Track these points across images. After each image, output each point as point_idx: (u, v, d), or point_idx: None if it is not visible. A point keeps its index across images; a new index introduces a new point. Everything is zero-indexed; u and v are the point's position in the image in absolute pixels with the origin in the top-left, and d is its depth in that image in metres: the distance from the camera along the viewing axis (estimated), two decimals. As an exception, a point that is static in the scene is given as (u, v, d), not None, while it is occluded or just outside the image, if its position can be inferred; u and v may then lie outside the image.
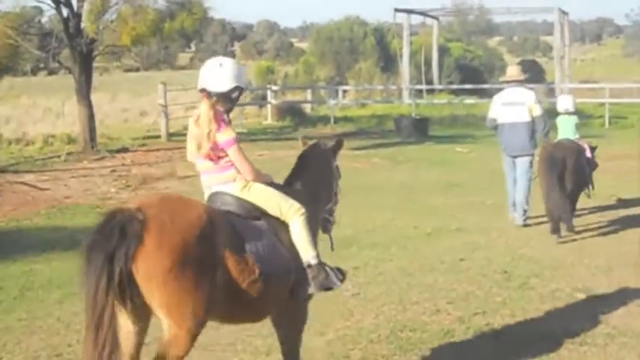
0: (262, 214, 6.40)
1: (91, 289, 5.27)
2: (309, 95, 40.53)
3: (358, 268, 11.07)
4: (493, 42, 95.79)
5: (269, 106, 36.81)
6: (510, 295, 9.76)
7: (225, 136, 6.38)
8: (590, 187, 13.79)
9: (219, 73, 6.44)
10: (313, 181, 7.05)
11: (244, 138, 29.37)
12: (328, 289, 6.64)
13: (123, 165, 22.80)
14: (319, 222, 7.07)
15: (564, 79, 40.96)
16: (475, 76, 49.40)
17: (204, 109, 6.37)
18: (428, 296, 9.73)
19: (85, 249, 5.36)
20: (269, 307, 6.37)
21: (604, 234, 13.11)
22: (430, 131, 29.62)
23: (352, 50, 54.95)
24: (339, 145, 7.42)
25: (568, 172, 12.91)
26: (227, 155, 6.40)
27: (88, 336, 5.31)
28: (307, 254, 6.47)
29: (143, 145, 26.99)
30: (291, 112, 36.23)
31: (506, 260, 11.34)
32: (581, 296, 9.64)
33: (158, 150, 26.14)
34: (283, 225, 6.43)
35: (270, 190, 6.56)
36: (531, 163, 13.74)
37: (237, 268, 5.81)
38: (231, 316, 6.21)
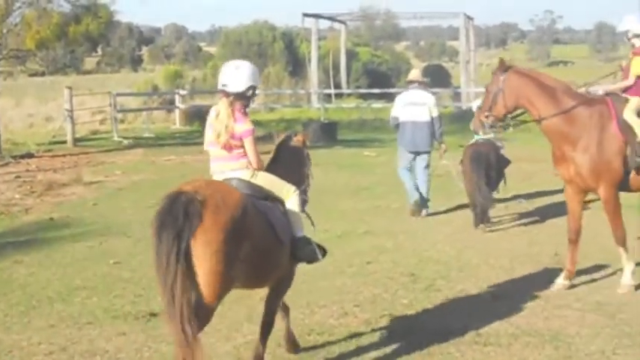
0: (267, 195, 7.35)
1: (163, 264, 6.20)
2: (217, 99, 40.36)
3: (266, 273, 11.07)
4: (400, 47, 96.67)
5: (177, 110, 36.59)
6: (417, 297, 9.86)
7: (244, 126, 7.27)
8: (503, 182, 14.73)
9: (236, 75, 7.33)
10: (291, 166, 7.97)
11: (152, 143, 29.23)
12: (313, 260, 7.64)
13: (28, 171, 22.39)
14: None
15: (470, 83, 41.55)
16: (383, 80, 49.80)
17: (223, 106, 7.31)
18: (336, 299, 9.77)
19: (156, 229, 6.26)
20: (278, 271, 7.34)
21: (509, 235, 13.34)
22: (339, 135, 29.73)
23: (261, 54, 54.85)
24: (306, 137, 8.49)
25: (491, 168, 13.85)
26: (240, 147, 7.28)
27: (167, 306, 6.23)
28: (298, 227, 7.48)
29: (49, 150, 26.53)
30: (200, 117, 35.91)
31: (413, 262, 11.45)
32: (486, 297, 9.80)
33: (64, 155, 25.74)
34: (282, 204, 7.42)
35: (272, 175, 7.51)
36: (429, 159, 15.03)
37: (264, 238, 6.83)
38: (251, 281, 7.04)
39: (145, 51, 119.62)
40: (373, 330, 8.65)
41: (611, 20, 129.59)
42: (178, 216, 6.21)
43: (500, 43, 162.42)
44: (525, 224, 14.10)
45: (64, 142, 28.53)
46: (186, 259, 6.18)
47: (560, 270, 10.44)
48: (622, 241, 10.07)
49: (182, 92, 37.87)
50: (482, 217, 13.52)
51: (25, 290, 10.51)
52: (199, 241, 6.23)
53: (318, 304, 9.58)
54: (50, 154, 26.03)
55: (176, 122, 36.23)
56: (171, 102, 37.96)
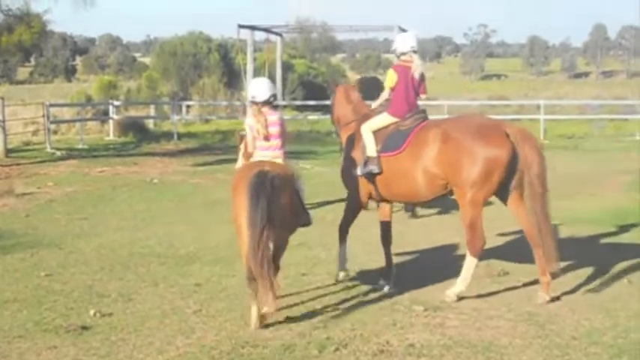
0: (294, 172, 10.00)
1: (257, 222, 8.79)
2: (152, 111, 40.21)
3: (200, 285, 11.06)
4: (336, 59, 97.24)
5: (111, 121, 36.33)
6: (350, 308, 9.90)
7: (276, 116, 10.02)
8: None
9: (261, 88, 10.04)
10: None
11: (85, 154, 28.97)
12: (309, 224, 10.20)
13: (-42, 182, 22.05)
14: None
15: (405, 95, 41.76)
16: (319, 92, 49.93)
17: (256, 111, 9.95)
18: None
19: (252, 196, 8.87)
20: (296, 226, 9.96)
21: (440, 247, 13.45)
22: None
23: (196, 65, 54.76)
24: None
25: None
26: (277, 137, 9.89)
27: (252, 250, 8.77)
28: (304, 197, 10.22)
29: (-21, 161, 26.16)
30: (134, 128, 35.87)
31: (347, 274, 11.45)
32: (419, 308, 9.85)
33: (-5, 166, 25.41)
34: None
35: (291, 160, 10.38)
36: None
37: (297, 200, 9.81)
38: (290, 230, 9.75)
39: (78, 61, 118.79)
40: (307, 342, 8.65)
41: (543, 34, 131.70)
42: (267, 187, 8.93)
43: (434, 57, 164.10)
44: (458, 236, 14.19)
45: (-4, 152, 28.15)
46: (269, 216, 8.80)
47: (495, 281, 10.56)
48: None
49: (116, 103, 37.61)
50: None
51: (-47, 303, 10.34)
52: (279, 203, 9.02)
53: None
54: (-19, 165, 25.67)
55: (110, 133, 35.96)
56: (105, 113, 37.67)
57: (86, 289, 10.99)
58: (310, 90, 50.69)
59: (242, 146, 10.42)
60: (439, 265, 12.04)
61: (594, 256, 12.53)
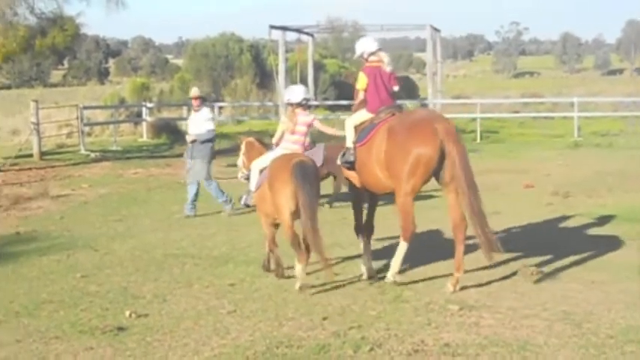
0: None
1: (312, 200, 10.58)
2: (184, 112, 40.27)
3: (234, 285, 11.08)
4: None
5: (144, 123, 36.48)
6: (385, 308, 9.88)
7: (308, 118, 11.78)
8: None
9: (295, 92, 11.78)
10: None
11: (119, 156, 29.14)
12: None
13: (-6, 185, 22.25)
14: None
15: (437, 94, 41.77)
16: (350, 92, 49.63)
17: (289, 112, 11.79)
18: (304, 311, 9.77)
19: (302, 178, 10.54)
20: None
21: (475, 246, 13.36)
22: (306, 147, 29.70)
23: (228, 67, 54.88)
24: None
25: None
26: (301, 135, 11.67)
27: (307, 219, 10.42)
28: None
29: (15, 164, 26.36)
30: (167, 130, 35.99)
31: (381, 275, 11.44)
32: (454, 307, 9.81)
33: (30, 169, 25.62)
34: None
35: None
36: None
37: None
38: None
39: (111, 63, 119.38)
40: (342, 342, 8.64)
41: (576, 31, 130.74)
42: (312, 170, 10.89)
43: (467, 55, 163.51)
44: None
45: (31, 155, 28.38)
46: (317, 193, 10.95)
47: (530, 280, 10.51)
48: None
49: (149, 105, 37.77)
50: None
51: (-9, 305, 10.44)
52: (317, 183, 11.08)
53: (287, 317, 9.57)
54: (16, 167, 25.89)
55: (143, 135, 36.14)
56: (138, 115, 37.87)
57: (121, 290, 11.05)
58: (342, 90, 50.60)
59: (243, 146, 13.07)
60: (473, 264, 11.97)
61: (628, 254, 12.46)
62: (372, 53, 11.75)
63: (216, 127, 38.24)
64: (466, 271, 10.99)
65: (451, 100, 46.06)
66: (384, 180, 11.05)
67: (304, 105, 11.74)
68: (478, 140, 33.26)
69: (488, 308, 9.79)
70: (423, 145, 10.52)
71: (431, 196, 16.33)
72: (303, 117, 11.67)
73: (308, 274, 10.94)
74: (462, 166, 10.46)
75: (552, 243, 13.32)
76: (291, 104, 11.76)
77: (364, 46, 11.89)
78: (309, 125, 11.73)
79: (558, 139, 33.54)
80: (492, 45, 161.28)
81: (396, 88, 11.81)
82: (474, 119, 35.97)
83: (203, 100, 18.28)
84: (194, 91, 17.97)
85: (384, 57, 11.74)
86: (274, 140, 12.12)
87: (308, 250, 10.79)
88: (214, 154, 17.84)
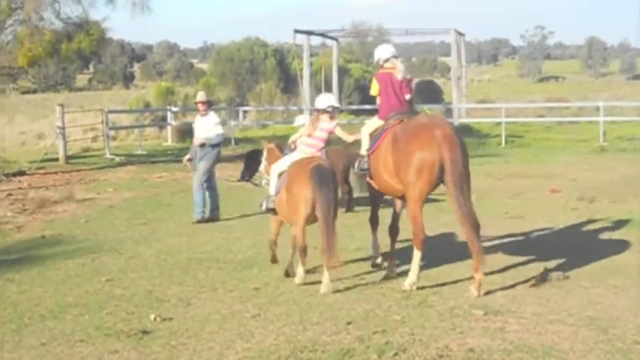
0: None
1: (329, 204, 10.81)
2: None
3: (259, 289, 11.10)
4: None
5: (169, 127, 36.61)
6: (409, 313, 9.86)
7: (330, 125, 11.92)
8: None
9: (322, 99, 12.13)
10: None
11: (144, 160, 29.24)
12: None
13: (20, 189, 22.41)
14: None
15: (461, 99, 41.67)
16: (375, 96, 49.70)
17: (314, 116, 12.10)
18: (328, 316, 9.76)
19: (320, 182, 10.83)
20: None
21: (499, 250, 13.33)
22: (330, 151, 29.67)
23: (253, 71, 54.93)
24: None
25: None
26: (321, 141, 11.90)
27: (324, 221, 10.73)
28: None
29: (40, 168, 26.54)
30: (192, 134, 35.81)
31: (405, 278, 11.42)
32: (479, 313, 9.77)
33: (56, 173, 25.78)
34: None
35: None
36: None
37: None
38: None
39: (136, 68, 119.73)
40: (366, 347, 8.63)
41: (601, 36, 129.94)
42: (330, 175, 11.10)
43: (491, 59, 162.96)
44: (514, 241, 14.09)
45: (56, 159, 28.56)
46: (335, 196, 11.07)
47: (555, 285, 10.47)
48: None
49: (174, 109, 37.87)
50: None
51: (16, 308, 10.50)
52: (335, 187, 11.11)
53: (311, 321, 9.57)
54: (42, 171, 26.06)
55: (168, 139, 36.28)
56: (163, 119, 38.02)
57: (146, 293, 11.09)
58: (366, 94, 50.48)
59: (265, 152, 13.19)
60: (499, 268, 11.93)
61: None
62: (387, 60, 11.98)
63: (241, 131, 38.53)
64: (489, 274, 10.96)
65: (476, 105, 45.90)
66: (396, 185, 11.26)
67: (329, 112, 11.92)
68: (503, 145, 33.15)
69: (513, 313, 9.74)
70: (422, 150, 10.72)
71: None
72: (325, 123, 11.88)
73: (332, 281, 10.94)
74: (451, 171, 10.58)
75: (578, 248, 13.26)
76: (317, 110, 12.03)
77: (379, 52, 12.15)
78: (330, 132, 11.93)
79: (584, 143, 33.37)
80: (517, 49, 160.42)
81: (407, 96, 11.87)
82: (498, 123, 35.85)
83: (209, 104, 18.24)
84: (200, 96, 18.04)
85: (398, 64, 11.91)
86: (291, 140, 12.39)
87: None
88: (219, 159, 17.87)
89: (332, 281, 10.85)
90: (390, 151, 11.20)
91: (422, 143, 10.76)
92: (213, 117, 17.73)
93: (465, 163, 10.75)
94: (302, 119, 13.78)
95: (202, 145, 17.22)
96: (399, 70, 11.82)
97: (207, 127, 17.43)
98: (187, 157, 17.78)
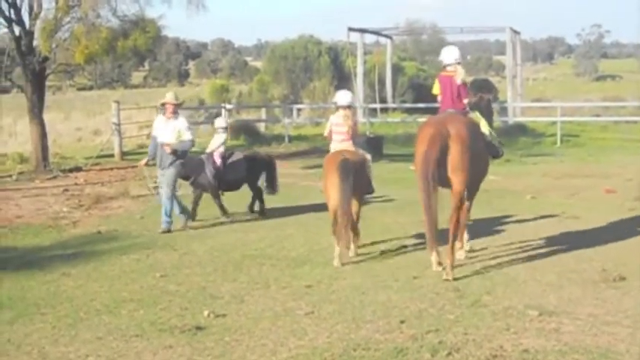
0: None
1: (345, 192, 12.37)
2: (263, 114, 40.57)
3: (311, 287, 11.10)
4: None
5: (223, 124, 36.69)
6: (463, 312, 9.81)
7: (349, 121, 13.24)
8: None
9: (342, 96, 13.55)
10: None
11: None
12: (371, 192, 14.21)
13: (76, 184, 22.64)
14: None
15: (516, 97, 41.32)
16: (428, 95, 49.24)
17: (342, 113, 13.38)
18: (381, 314, 9.75)
19: (342, 174, 12.38)
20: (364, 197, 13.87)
21: (555, 251, 13.21)
22: (384, 149, 29.67)
23: (306, 69, 55.00)
24: None
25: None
26: (346, 133, 13.25)
27: (342, 202, 12.37)
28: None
29: (96, 164, 26.80)
30: (246, 131, 36.17)
31: (459, 278, 11.38)
32: (533, 313, 9.70)
33: (111, 169, 26.01)
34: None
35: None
36: None
37: (365, 179, 13.40)
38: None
39: (191, 65, 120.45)
40: (420, 346, 8.60)
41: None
42: (351, 167, 12.57)
43: (547, 58, 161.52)
44: (571, 241, 13.95)
45: (112, 155, 28.84)
46: (352, 188, 12.58)
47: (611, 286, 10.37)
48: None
49: (228, 106, 37.99)
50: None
51: (72, 303, 10.61)
52: (356, 180, 12.63)
53: (364, 319, 9.56)
54: (98, 167, 26.31)
55: (222, 136, 36.36)
56: (218, 116, 38.11)
57: (200, 290, 11.15)
58: (420, 92, 50.29)
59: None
60: (552, 271, 11.83)
61: None
62: (449, 64, 12.86)
63: (295, 129, 38.58)
64: (544, 275, 10.86)
65: (531, 104, 45.52)
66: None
67: (349, 108, 13.55)
68: (558, 144, 32.80)
69: (568, 314, 9.66)
70: (425, 146, 11.87)
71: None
72: (355, 120, 13.70)
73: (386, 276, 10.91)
74: (451, 168, 11.92)
75: (634, 249, 13.10)
76: (343, 107, 13.46)
77: (444, 55, 13.04)
78: (354, 124, 13.55)
79: (641, 143, 32.95)
80: (573, 48, 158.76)
81: (465, 101, 12.79)
82: (554, 123, 35.47)
83: (177, 107, 16.73)
84: (170, 97, 16.71)
85: (459, 69, 12.82)
86: (325, 134, 13.91)
87: (355, 233, 13.19)
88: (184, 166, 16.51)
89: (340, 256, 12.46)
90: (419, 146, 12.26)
91: (428, 141, 11.91)
92: (183, 121, 16.49)
93: (435, 155, 11.74)
94: (220, 122, 15.37)
95: (174, 152, 16.01)
96: (458, 75, 12.73)
97: (176, 131, 16.13)
98: (144, 161, 17.12)
